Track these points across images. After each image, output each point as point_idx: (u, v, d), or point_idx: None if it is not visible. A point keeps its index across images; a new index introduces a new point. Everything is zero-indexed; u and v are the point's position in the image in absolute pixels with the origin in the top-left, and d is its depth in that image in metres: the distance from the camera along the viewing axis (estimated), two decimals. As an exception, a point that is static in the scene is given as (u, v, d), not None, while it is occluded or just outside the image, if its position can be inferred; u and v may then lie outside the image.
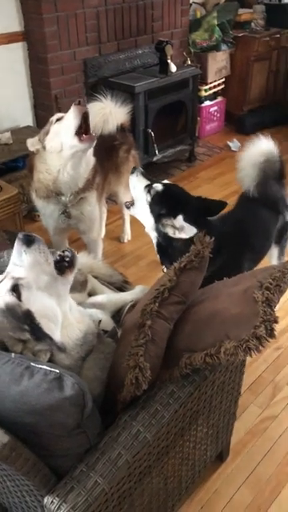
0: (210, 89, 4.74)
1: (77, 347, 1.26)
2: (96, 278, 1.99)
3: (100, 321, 1.43)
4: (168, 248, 1.91)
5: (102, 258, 2.63)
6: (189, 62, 4.31)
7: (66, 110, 3.64)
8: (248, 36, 4.67)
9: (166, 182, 2.02)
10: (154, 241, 2.01)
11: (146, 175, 2.02)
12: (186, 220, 1.80)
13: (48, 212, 2.42)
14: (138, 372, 1.19)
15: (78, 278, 1.73)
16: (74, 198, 2.35)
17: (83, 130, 2.15)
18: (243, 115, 4.98)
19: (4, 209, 2.54)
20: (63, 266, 1.24)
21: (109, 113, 2.73)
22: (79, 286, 1.79)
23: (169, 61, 3.74)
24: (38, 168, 2.33)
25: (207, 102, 4.78)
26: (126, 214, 3.32)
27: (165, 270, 2.11)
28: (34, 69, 3.60)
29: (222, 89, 4.90)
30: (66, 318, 1.24)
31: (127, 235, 3.36)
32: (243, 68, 4.82)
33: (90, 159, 2.31)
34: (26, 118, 3.75)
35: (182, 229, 1.80)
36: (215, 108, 4.90)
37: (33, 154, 2.33)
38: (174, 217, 1.82)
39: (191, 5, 4.48)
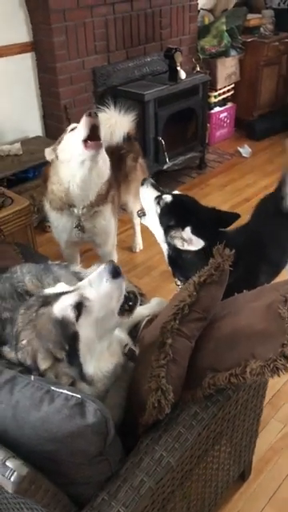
0: (220, 95, 4.70)
1: (104, 379, 1.22)
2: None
3: (126, 345, 1.38)
4: (178, 260, 1.87)
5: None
6: (198, 69, 4.27)
7: (75, 120, 3.63)
8: (257, 41, 4.63)
9: (176, 192, 1.99)
10: (165, 252, 1.97)
11: (156, 186, 1.99)
12: (194, 232, 1.76)
13: (61, 225, 2.38)
14: (160, 395, 1.14)
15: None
16: (88, 211, 2.31)
17: (90, 138, 2.11)
18: (253, 121, 4.94)
19: (16, 221, 2.50)
20: (124, 308, 1.24)
21: (114, 123, 2.70)
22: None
23: (178, 68, 3.71)
24: (51, 179, 2.30)
25: (217, 109, 4.74)
26: (137, 223, 3.27)
27: (178, 282, 2.06)
28: (43, 79, 3.58)
29: (232, 95, 4.86)
30: (102, 352, 1.22)
31: (139, 245, 3.32)
32: (253, 73, 4.77)
33: (102, 171, 2.26)
34: (36, 129, 3.73)
35: (191, 241, 1.76)
36: (225, 114, 4.86)
37: (49, 164, 2.31)
38: (183, 228, 1.78)
39: (199, 11, 4.45)
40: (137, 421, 1.24)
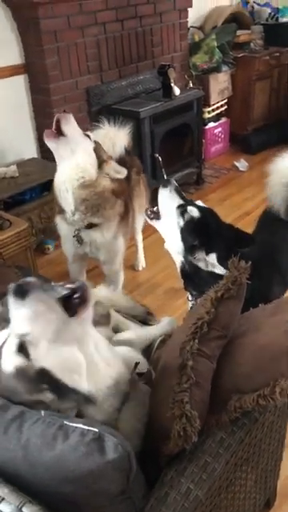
0: (213, 110, 4.69)
1: (109, 398, 1.10)
2: (118, 312, 1.86)
3: (137, 363, 1.28)
4: (194, 275, 1.78)
5: (121, 290, 2.50)
6: (191, 85, 4.27)
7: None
8: (248, 56, 4.64)
9: (199, 203, 1.88)
10: (178, 264, 1.86)
11: (179, 191, 1.86)
12: (219, 258, 1.66)
13: (63, 231, 2.35)
14: (185, 422, 1.04)
15: (98, 310, 1.59)
16: (80, 219, 2.23)
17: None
18: (248, 135, 4.92)
19: (15, 243, 2.42)
20: (74, 304, 1.05)
21: (113, 136, 2.67)
22: (103, 319, 1.65)
23: (172, 84, 3.69)
24: None
25: (211, 124, 4.72)
26: (140, 240, 3.20)
27: (189, 297, 1.97)
28: (36, 100, 3.54)
29: (225, 110, 4.85)
30: (92, 361, 1.08)
31: (141, 263, 3.24)
32: (245, 88, 4.78)
33: (79, 171, 2.16)
34: (30, 150, 3.67)
35: (214, 266, 1.66)
36: (219, 129, 4.84)
37: None
38: (207, 253, 1.68)
39: (189, 29, 4.46)
40: (159, 450, 1.13)
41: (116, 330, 1.73)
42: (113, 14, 3.59)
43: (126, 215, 2.48)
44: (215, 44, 4.34)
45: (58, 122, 2.12)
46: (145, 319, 1.95)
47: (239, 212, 3.84)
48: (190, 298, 1.90)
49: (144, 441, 1.19)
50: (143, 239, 3.25)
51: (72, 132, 2.14)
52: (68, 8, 3.26)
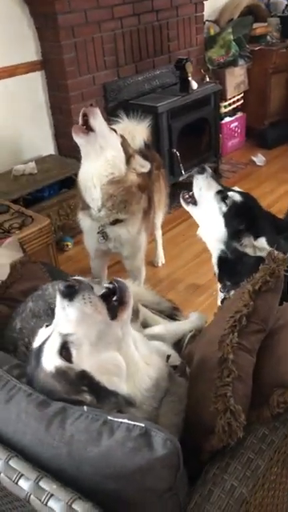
0: (230, 105, 4.64)
1: (148, 399, 1.07)
2: (145, 306, 1.83)
3: (169, 356, 1.26)
4: (235, 263, 1.72)
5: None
6: (207, 79, 4.22)
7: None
8: (265, 49, 4.58)
9: (237, 189, 1.84)
10: (216, 253, 1.80)
11: (215, 178, 1.84)
12: (269, 241, 1.62)
13: (86, 227, 2.32)
14: (229, 417, 1.01)
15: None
16: (106, 215, 2.21)
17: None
18: (264, 129, 4.86)
19: (37, 240, 2.41)
20: (113, 306, 1.03)
21: (132, 129, 2.65)
22: (131, 314, 1.62)
23: (189, 78, 3.65)
24: None
25: (227, 119, 4.67)
26: (159, 236, 3.17)
27: (221, 289, 1.92)
28: (54, 97, 3.53)
29: (242, 104, 4.80)
30: (131, 362, 1.05)
31: (161, 258, 3.21)
32: (261, 81, 4.71)
33: (109, 167, 2.13)
34: (48, 147, 3.66)
35: (265, 250, 1.62)
36: (236, 124, 4.79)
37: None
38: (255, 237, 1.64)
39: (204, 22, 4.42)
40: (199, 445, 1.10)
41: (144, 325, 1.71)
42: (129, 8, 3.56)
43: (148, 210, 2.46)
44: (231, 37, 4.29)
45: (86, 116, 2.08)
46: (171, 314, 1.92)
47: (259, 206, 3.79)
48: (221, 290, 1.85)
49: (182, 436, 1.16)
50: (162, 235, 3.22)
51: (100, 127, 2.10)
52: (85, 2, 3.24)
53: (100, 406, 0.99)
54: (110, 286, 1.05)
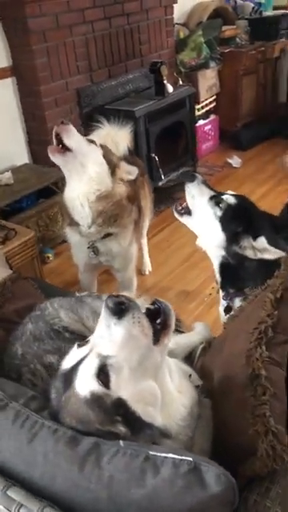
0: (203, 107, 4.62)
1: (184, 429, 0.98)
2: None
3: (190, 375, 1.18)
4: (238, 269, 1.66)
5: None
6: (181, 83, 4.18)
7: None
8: (235, 51, 4.59)
9: (231, 192, 1.79)
10: (218, 260, 1.73)
11: (207, 184, 1.77)
12: (269, 240, 1.56)
13: (74, 242, 2.20)
14: (272, 439, 0.93)
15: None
16: (97, 231, 2.11)
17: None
18: (238, 131, 4.86)
19: (21, 254, 2.29)
20: (156, 329, 0.95)
21: (115, 135, 2.55)
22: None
23: (165, 81, 3.60)
24: None
25: (201, 122, 4.64)
26: (144, 243, 3.09)
27: (221, 296, 1.85)
28: (26, 103, 3.40)
29: (214, 106, 4.79)
30: (166, 391, 0.97)
31: (148, 266, 3.13)
32: (232, 83, 4.72)
33: (94, 184, 2.03)
34: (22, 155, 3.53)
35: (265, 251, 1.56)
36: (209, 126, 4.77)
37: None
38: (254, 237, 1.58)
39: (174, 26, 4.38)
40: (234, 471, 1.02)
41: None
42: (100, 12, 3.48)
43: (139, 220, 2.37)
44: (202, 40, 4.27)
45: (58, 135, 1.95)
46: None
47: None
48: (224, 298, 1.79)
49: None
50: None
51: (77, 144, 1.97)
52: (56, 6, 3.13)
53: (134, 439, 0.89)
54: (152, 307, 0.97)
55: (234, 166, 4.50)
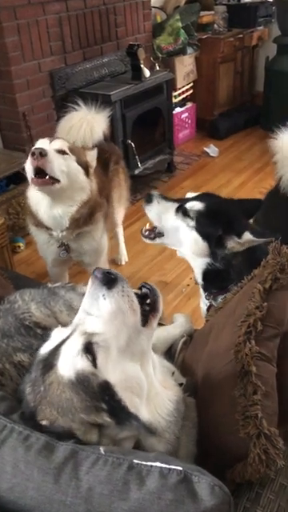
0: (180, 95, 4.53)
1: (171, 426, 0.91)
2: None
3: (173, 373, 1.10)
4: (225, 270, 1.57)
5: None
6: (157, 68, 4.07)
7: (35, 128, 3.35)
8: (212, 38, 4.50)
9: (191, 194, 1.68)
10: (201, 267, 1.61)
11: (165, 197, 1.64)
12: (253, 233, 1.47)
13: (41, 241, 2.08)
14: (264, 443, 0.86)
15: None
16: (69, 234, 2.01)
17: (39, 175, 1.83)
18: (215, 120, 4.80)
19: (-10, 242, 2.15)
20: (145, 311, 0.88)
21: (91, 120, 2.43)
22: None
23: (142, 65, 3.48)
24: (27, 192, 2.00)
25: (178, 109, 4.55)
26: (120, 233, 2.99)
27: (206, 297, 1.76)
28: (-4, 85, 3.23)
29: (191, 94, 4.70)
30: (151, 383, 0.89)
31: (124, 256, 3.03)
32: (210, 71, 4.64)
33: (73, 198, 1.94)
34: (-8, 140, 3.36)
35: (252, 242, 1.48)
36: (186, 114, 4.69)
37: None
38: (238, 235, 1.49)
39: (151, 9, 4.25)
40: (222, 475, 0.95)
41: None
42: (75, -10, 3.33)
43: (108, 210, 2.28)
44: (180, 25, 4.16)
45: (39, 169, 1.79)
46: (151, 317, 1.76)
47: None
48: (207, 298, 1.70)
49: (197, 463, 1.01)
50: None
51: (62, 170, 1.84)
52: (27, -19, 2.97)
53: (119, 431, 0.82)
54: (140, 291, 0.91)
55: (211, 155, 4.44)
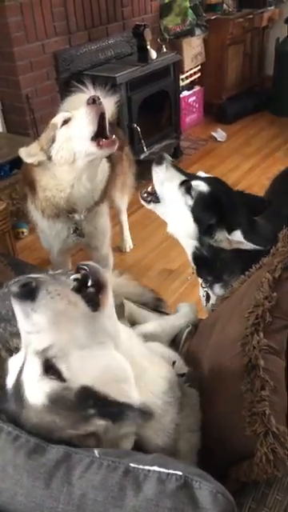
0: (187, 78, 4.41)
1: (167, 407, 0.86)
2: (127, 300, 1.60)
3: (174, 362, 1.04)
4: (212, 259, 1.51)
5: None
6: (164, 50, 3.96)
7: (38, 112, 3.27)
8: (221, 18, 4.37)
9: (202, 174, 1.61)
10: (190, 250, 1.58)
11: (176, 166, 1.60)
12: (245, 233, 1.40)
13: (54, 233, 2.01)
14: (272, 442, 0.80)
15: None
16: (89, 213, 1.97)
17: (100, 133, 1.75)
18: (223, 104, 4.68)
19: (-8, 227, 2.10)
20: (90, 293, 0.81)
21: None
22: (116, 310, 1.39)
23: (148, 47, 3.37)
24: (43, 184, 1.89)
25: (185, 93, 4.44)
26: (124, 220, 2.93)
27: (203, 284, 1.71)
28: (-2, 67, 3.15)
29: (199, 77, 4.58)
30: (134, 361, 0.83)
31: (128, 243, 2.97)
32: (218, 53, 4.51)
33: (104, 166, 1.94)
34: (-6, 124, 3.29)
35: (241, 244, 1.41)
36: (193, 98, 4.57)
37: (27, 166, 1.92)
38: (229, 231, 1.42)
39: (158, -12, 4.13)
40: (226, 473, 0.90)
41: (131, 322, 1.48)
42: None
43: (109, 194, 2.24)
44: (188, 5, 4.03)
45: (102, 118, 1.76)
46: (155, 306, 1.70)
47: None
48: (203, 285, 1.64)
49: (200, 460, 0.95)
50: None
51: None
52: None
53: (118, 429, 0.76)
54: (79, 275, 0.83)
55: (219, 139, 4.34)
